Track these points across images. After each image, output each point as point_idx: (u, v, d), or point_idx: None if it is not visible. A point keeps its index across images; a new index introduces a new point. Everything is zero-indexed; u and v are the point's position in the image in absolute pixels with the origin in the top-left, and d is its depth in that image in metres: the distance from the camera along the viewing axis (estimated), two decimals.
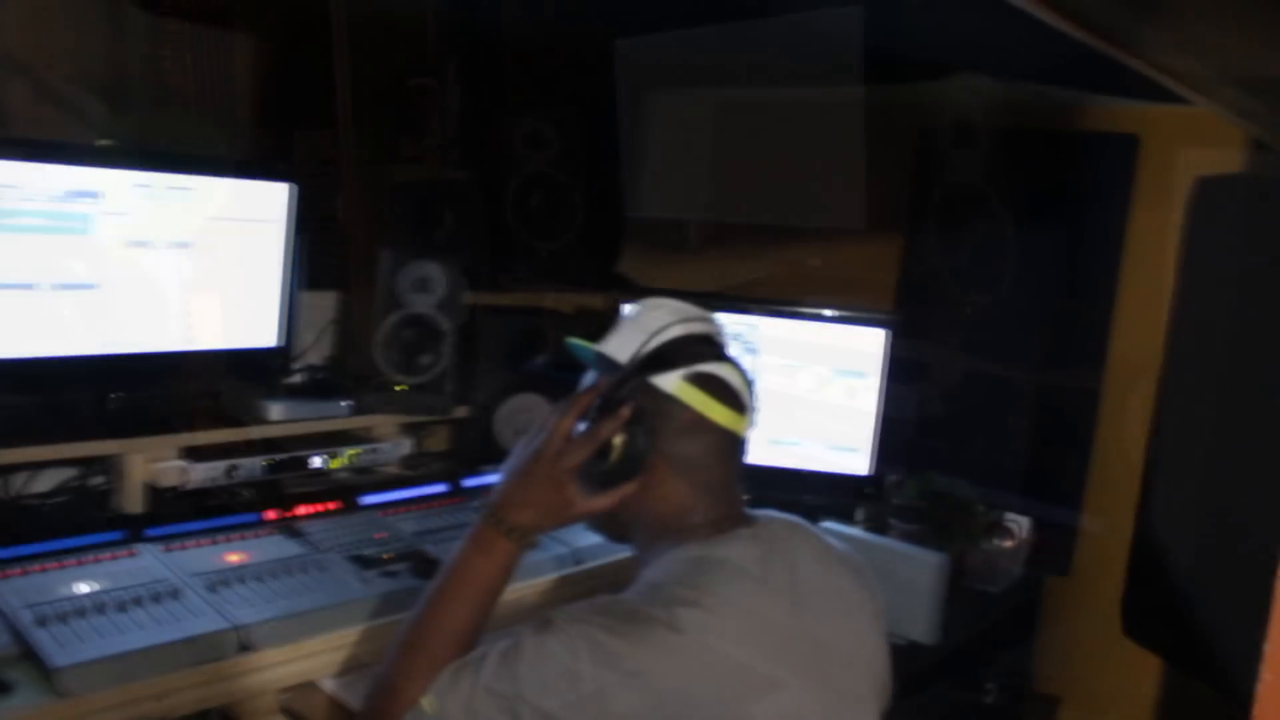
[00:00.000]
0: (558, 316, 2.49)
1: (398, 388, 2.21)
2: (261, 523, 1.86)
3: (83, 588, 1.54)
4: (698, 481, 1.28)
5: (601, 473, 1.26)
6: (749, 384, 1.32)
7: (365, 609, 1.65)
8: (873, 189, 3.21)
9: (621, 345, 1.29)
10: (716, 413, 1.27)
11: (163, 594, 1.56)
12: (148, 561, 1.66)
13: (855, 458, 2.40)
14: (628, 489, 1.27)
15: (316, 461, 2.06)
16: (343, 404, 2.14)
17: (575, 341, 1.43)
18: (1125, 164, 2.88)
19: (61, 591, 1.52)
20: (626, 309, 1.36)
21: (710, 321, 1.34)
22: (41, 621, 1.44)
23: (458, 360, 2.31)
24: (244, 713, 1.51)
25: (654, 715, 1.09)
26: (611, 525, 1.35)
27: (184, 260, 1.92)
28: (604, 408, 1.26)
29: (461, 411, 2.35)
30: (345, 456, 2.10)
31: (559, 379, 2.44)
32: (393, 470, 2.22)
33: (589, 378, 1.36)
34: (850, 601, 1.31)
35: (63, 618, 1.45)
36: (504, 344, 2.40)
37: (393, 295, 2.17)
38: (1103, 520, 2.97)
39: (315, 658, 1.58)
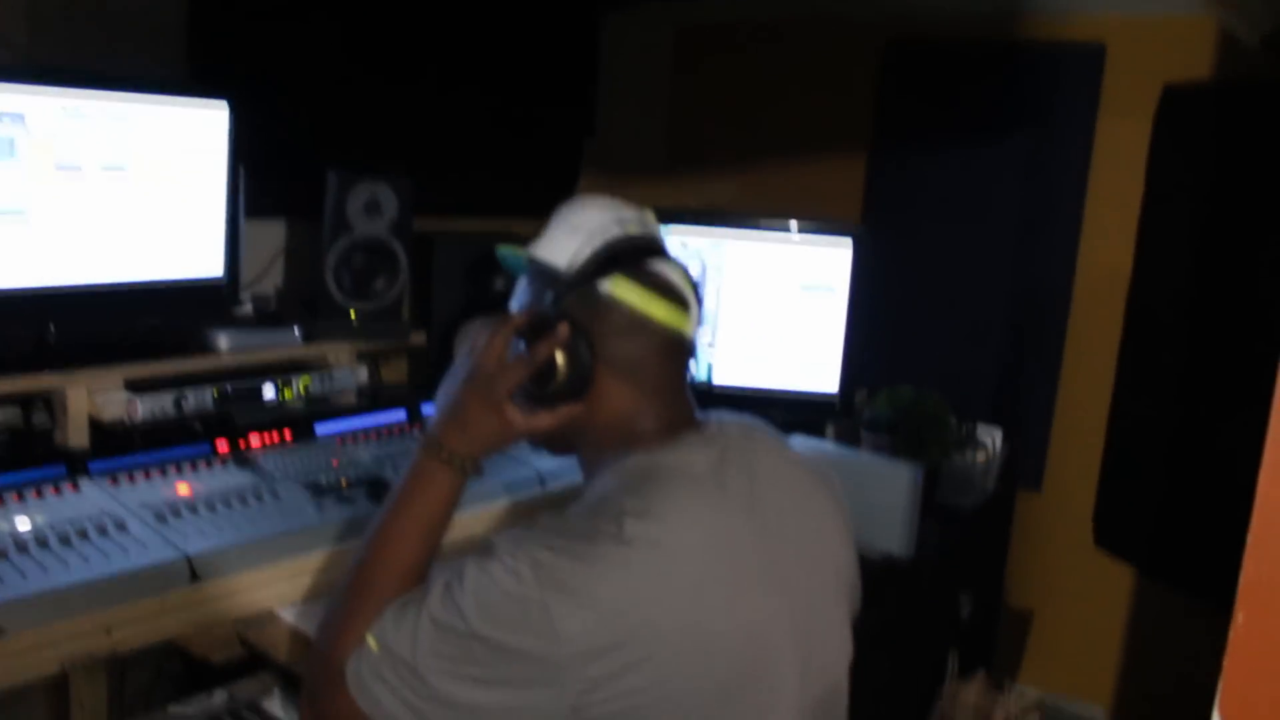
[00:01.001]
0: (516, 240, 2.41)
1: (351, 315, 2.14)
2: (212, 454, 1.79)
3: (22, 524, 1.48)
4: (642, 385, 1.21)
5: (545, 395, 1.19)
6: (692, 283, 1.25)
7: (322, 536, 1.60)
8: (838, 104, 3.16)
9: (556, 248, 1.21)
10: (657, 309, 1.19)
11: (108, 527, 1.49)
12: (92, 495, 1.59)
13: (823, 375, 2.36)
14: (574, 408, 1.20)
15: (268, 391, 1.99)
16: (294, 332, 2.07)
17: (505, 249, 1.35)
18: (1092, 74, 2.83)
19: (1, 528, 1.46)
20: (558, 211, 1.28)
21: (647, 219, 1.27)
22: None
23: (413, 286, 2.24)
24: (199, 646, 1.46)
25: (606, 636, 1.02)
26: (556, 442, 1.29)
27: (118, 186, 1.83)
28: (540, 323, 1.19)
29: (419, 338, 2.29)
30: (298, 385, 2.03)
31: None
32: (348, 400, 2.15)
33: (522, 286, 1.29)
34: (814, 506, 1.26)
35: (1, 554, 1.39)
36: (460, 269, 2.33)
37: (342, 219, 2.09)
38: (1073, 433, 2.96)
39: (271, 587, 1.53)
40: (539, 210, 2.81)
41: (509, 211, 2.59)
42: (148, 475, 1.68)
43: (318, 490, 1.71)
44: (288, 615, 1.53)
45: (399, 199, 2.12)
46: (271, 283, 2.30)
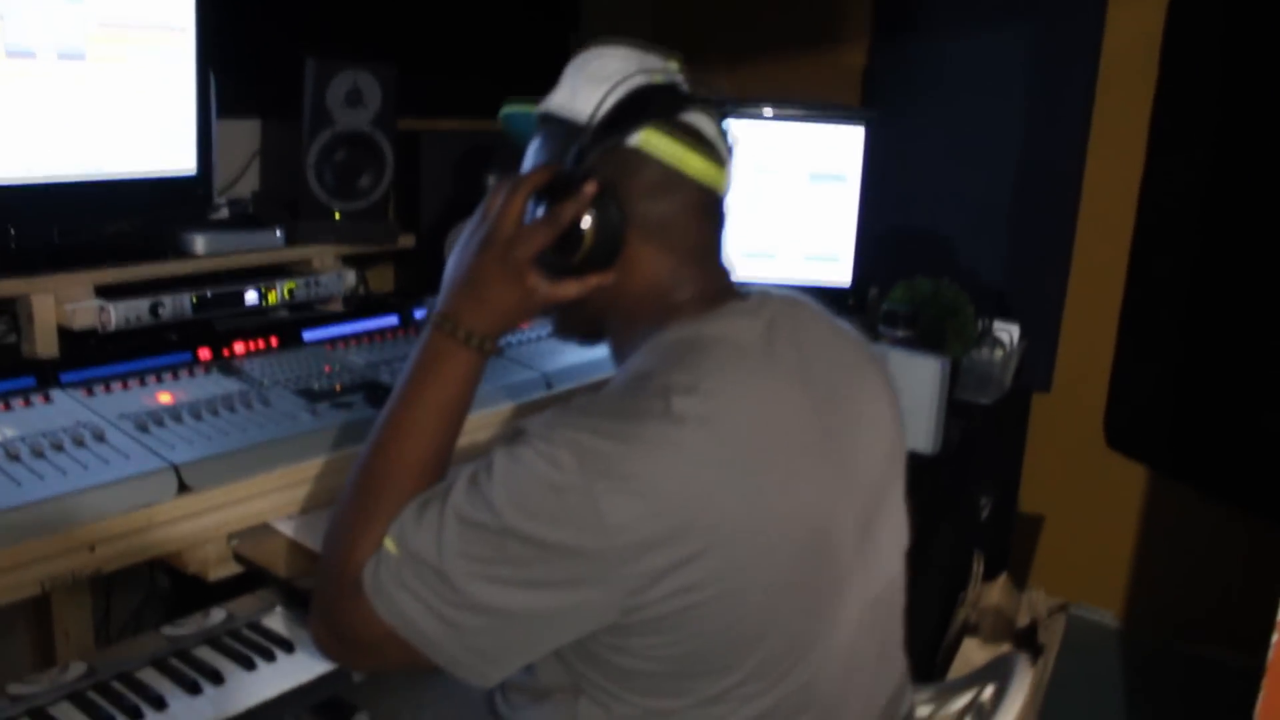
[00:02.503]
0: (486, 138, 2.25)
1: (335, 216, 2.00)
2: (194, 362, 1.66)
3: None
4: (677, 248, 1.08)
5: (570, 263, 1.06)
6: (724, 134, 1.12)
7: (319, 442, 1.48)
8: None
9: (577, 99, 1.08)
10: (693, 163, 1.06)
11: (85, 438, 1.37)
12: (65, 406, 1.46)
13: (836, 268, 2.24)
14: (603, 278, 1.08)
15: (251, 297, 1.85)
16: (275, 233, 1.92)
17: (512, 108, 1.22)
18: None
19: None
20: (574, 61, 1.15)
21: (672, 67, 1.13)
22: None
23: (397, 186, 2.09)
24: (191, 562, 1.35)
25: (660, 526, 0.91)
26: (581, 319, 1.16)
27: (78, 74, 1.67)
28: (563, 181, 1.06)
29: (406, 241, 2.15)
30: (282, 291, 1.89)
31: None
32: (333, 306, 2.02)
33: (534, 149, 1.16)
34: (866, 384, 1.15)
35: None
36: (448, 167, 2.18)
37: (322, 111, 1.93)
38: (1083, 332, 2.87)
39: (266, 497, 1.41)
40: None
41: (491, 112, 2.43)
42: (125, 385, 1.55)
43: (311, 396, 1.59)
44: (285, 527, 1.42)
45: (382, 88, 1.97)
46: (248, 187, 2.15)
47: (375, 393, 1.61)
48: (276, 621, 1.29)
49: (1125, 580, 2.94)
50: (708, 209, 1.10)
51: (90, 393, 1.51)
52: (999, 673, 1.28)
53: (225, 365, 1.67)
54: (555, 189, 1.05)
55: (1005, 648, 2.20)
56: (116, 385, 1.54)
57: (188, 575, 1.36)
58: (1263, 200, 2.46)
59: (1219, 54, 2.54)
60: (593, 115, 1.05)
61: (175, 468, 1.33)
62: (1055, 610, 2.26)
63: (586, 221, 1.04)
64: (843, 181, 2.21)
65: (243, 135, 2.12)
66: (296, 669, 1.20)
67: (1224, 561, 2.61)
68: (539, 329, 2.03)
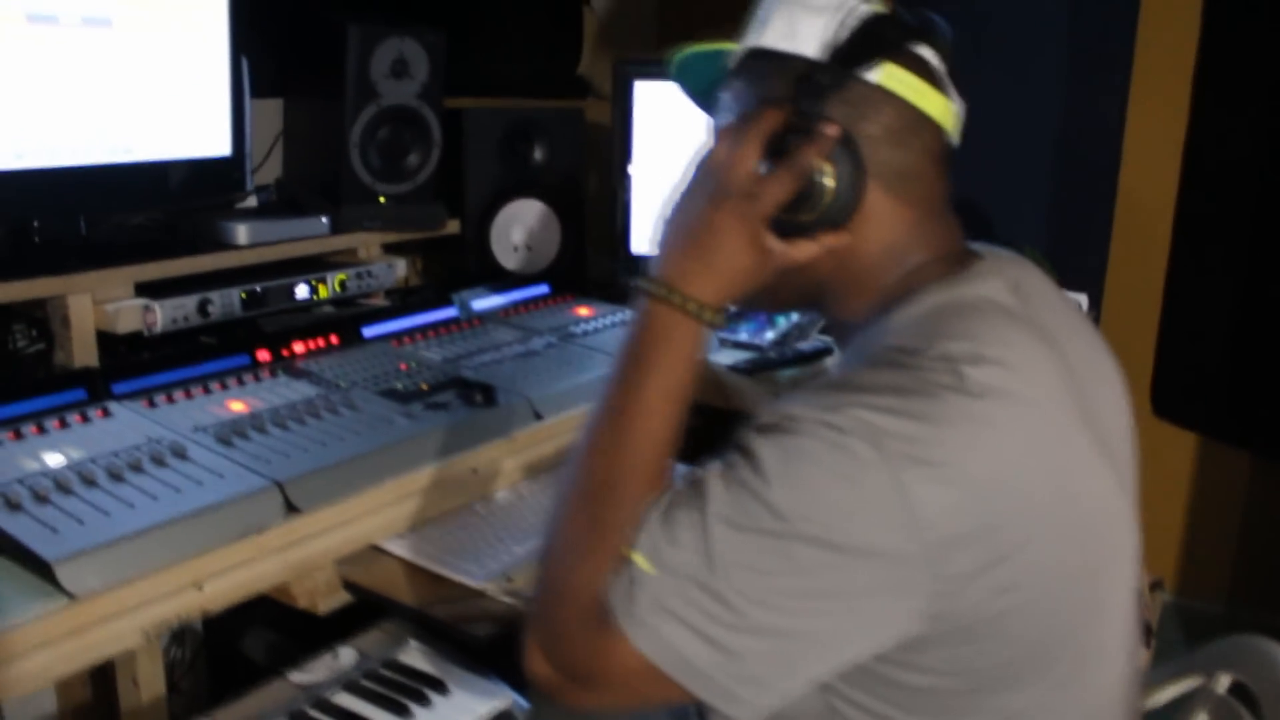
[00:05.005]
0: (532, 114, 2.08)
1: (381, 199, 1.81)
2: (254, 365, 1.47)
3: (53, 459, 1.15)
4: (917, 202, 0.93)
5: (801, 221, 0.90)
6: (952, 71, 0.97)
7: (423, 449, 1.31)
8: None
9: (798, 33, 0.91)
10: (934, 103, 0.91)
11: (165, 456, 1.18)
12: (129, 420, 1.27)
13: None
14: (840, 236, 0.92)
15: (302, 291, 1.66)
16: (321, 221, 1.73)
17: (692, 50, 1.05)
18: None
19: (28, 467, 1.13)
20: None
21: None
22: (13, 505, 1.05)
23: (442, 165, 1.91)
24: (300, 594, 1.16)
25: (975, 518, 0.77)
26: (790, 291, 0.99)
27: (103, 42, 1.47)
28: (798, 126, 0.89)
29: (452, 226, 1.97)
30: (333, 283, 1.71)
31: (562, 182, 2.08)
32: (381, 298, 1.83)
33: (738, 92, 0.99)
34: (1103, 357, 1.01)
35: (41, 497, 1.07)
36: (494, 145, 2.00)
37: (366, 83, 1.74)
38: (1128, 297, 2.77)
39: (375, 515, 1.24)
40: (547, 88, 2.51)
41: (512, 90, 2.26)
42: (188, 394, 1.36)
43: (398, 397, 1.41)
44: (397, 548, 1.25)
45: (430, 58, 1.78)
46: (270, 173, 1.94)
47: (468, 390, 1.43)
48: (415, 657, 1.12)
49: (1177, 552, 2.87)
50: (945, 157, 0.95)
51: (151, 404, 1.32)
52: (1230, 659, 1.16)
53: (289, 367, 1.49)
54: (789, 135, 0.89)
55: None
56: (179, 394, 1.35)
57: (296, 609, 1.17)
58: None
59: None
60: (831, 48, 0.89)
61: (280, 485, 1.14)
62: (1153, 587, 2.16)
63: (825, 172, 0.88)
64: None
65: (264, 115, 1.92)
66: (457, 711, 1.04)
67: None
68: (608, 318, 1.87)
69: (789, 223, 0.90)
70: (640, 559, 0.79)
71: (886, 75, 0.89)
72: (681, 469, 0.86)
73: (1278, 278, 2.47)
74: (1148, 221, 2.68)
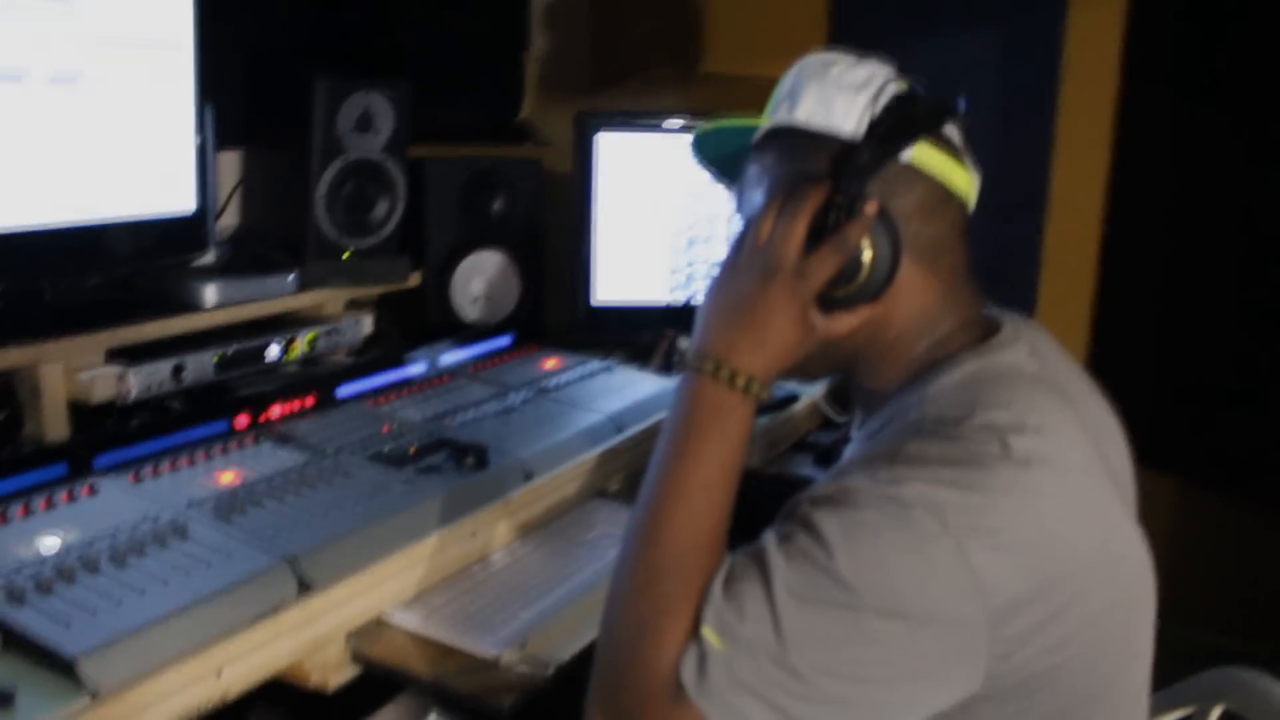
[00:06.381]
0: (491, 164, 2.07)
1: (346, 254, 1.78)
2: (234, 432, 1.43)
3: (47, 543, 1.11)
4: (943, 274, 0.98)
5: (841, 296, 0.94)
6: (969, 145, 1.02)
7: (425, 515, 1.29)
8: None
9: (833, 111, 0.95)
10: (959, 180, 0.98)
11: (166, 535, 1.14)
12: (117, 497, 1.22)
13: None
14: (874, 309, 0.95)
15: (273, 351, 1.62)
16: (288, 278, 1.70)
17: (721, 123, 1.08)
18: None
19: (24, 553, 1.08)
20: (792, 73, 1.01)
21: (901, 72, 1.02)
22: (16, 596, 1.00)
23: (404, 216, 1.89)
24: (312, 672, 1.13)
25: (1027, 579, 0.81)
26: (828, 360, 1.01)
27: (70, 100, 1.42)
28: (841, 204, 0.92)
29: (414, 279, 1.94)
30: (305, 342, 1.67)
31: (522, 231, 2.07)
32: (345, 354, 1.80)
33: (768, 168, 1.01)
34: (1106, 410, 1.06)
35: (45, 588, 1.02)
36: (454, 195, 1.98)
37: (333, 138, 1.71)
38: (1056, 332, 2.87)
39: (381, 587, 1.21)
40: (490, 133, 2.50)
41: (459, 136, 2.25)
42: (173, 465, 1.31)
43: (389, 461, 1.39)
44: (405, 619, 1.22)
45: (395, 111, 1.77)
46: (226, 224, 1.89)
47: (459, 452, 1.42)
48: None
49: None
50: (966, 228, 1.00)
51: (137, 478, 1.27)
52: (1223, 691, 1.21)
53: (271, 432, 1.45)
54: (831, 212, 0.91)
55: None
56: (164, 466, 1.31)
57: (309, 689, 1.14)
58: (1226, 198, 2.51)
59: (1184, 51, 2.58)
60: (857, 129, 0.92)
61: (291, 562, 1.11)
62: None
63: (865, 247, 0.91)
64: None
65: (221, 166, 1.87)
66: None
67: (1207, 548, 2.66)
68: (576, 369, 1.87)
69: (830, 297, 0.92)
70: (710, 634, 0.80)
71: (919, 154, 0.93)
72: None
73: (1197, 311, 2.59)
74: (1074, 262, 2.78)
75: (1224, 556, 2.56)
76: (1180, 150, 2.61)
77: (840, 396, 1.81)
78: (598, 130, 2.00)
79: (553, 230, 2.14)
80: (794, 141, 0.97)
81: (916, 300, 0.96)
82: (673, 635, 0.82)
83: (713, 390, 0.90)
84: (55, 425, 1.38)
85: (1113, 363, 2.78)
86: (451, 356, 1.83)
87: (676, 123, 2.06)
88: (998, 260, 2.79)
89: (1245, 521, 2.53)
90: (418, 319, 1.99)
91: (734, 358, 0.90)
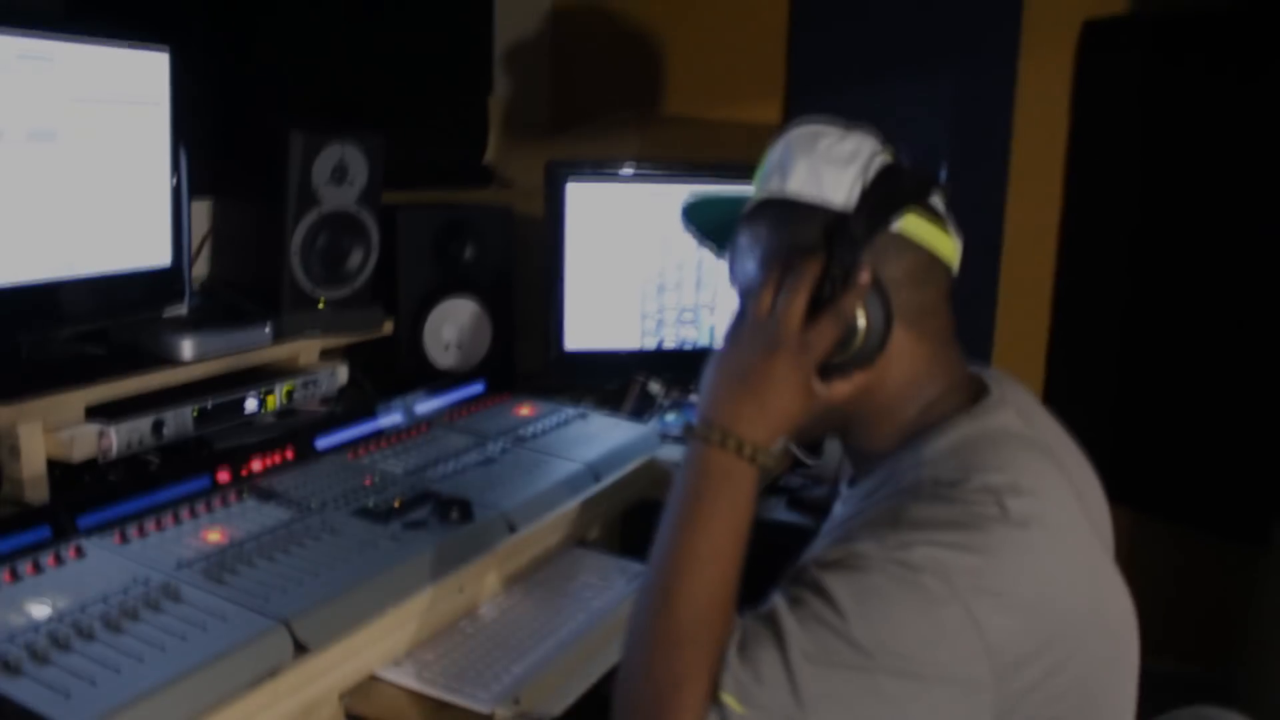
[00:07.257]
0: (462, 212, 2.08)
1: (320, 304, 1.78)
2: (216, 487, 1.43)
3: (38, 610, 1.10)
4: (932, 338, 1.01)
5: (841, 363, 0.97)
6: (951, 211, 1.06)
7: (415, 572, 1.30)
8: (748, 45, 2.98)
9: (825, 183, 0.98)
10: (945, 247, 1.01)
11: (158, 598, 1.13)
12: (104, 560, 1.21)
13: None
14: (867, 374, 0.99)
15: (250, 404, 1.62)
16: (264, 330, 1.69)
17: (710, 195, 1.11)
18: (1011, 9, 2.76)
19: (15, 621, 1.07)
20: (781, 145, 1.04)
21: (883, 139, 1.06)
22: (13, 668, 0.99)
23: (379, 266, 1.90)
24: None
25: (1030, 637, 0.85)
26: (825, 424, 1.05)
27: (47, 156, 1.41)
28: (835, 274, 0.95)
29: (387, 327, 1.95)
30: (281, 394, 1.67)
31: (492, 279, 2.08)
32: (318, 404, 1.80)
33: (759, 238, 1.04)
34: (1083, 462, 1.10)
35: (40, 657, 1.01)
36: (426, 243, 2.00)
37: (308, 190, 1.72)
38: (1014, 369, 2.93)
39: (374, 646, 1.22)
40: (458, 175, 2.52)
41: (425, 180, 2.27)
42: (158, 524, 1.31)
43: (374, 516, 1.39)
44: (397, 676, 1.23)
45: (369, 162, 1.78)
46: (195, 274, 1.88)
47: (443, 506, 1.42)
48: None
49: None
50: (951, 293, 1.03)
51: (123, 538, 1.27)
52: None
53: (253, 487, 1.44)
54: (826, 282, 0.94)
55: None
56: (149, 525, 1.30)
57: None
58: (1178, 237, 2.59)
59: (1130, 98, 2.67)
60: (848, 200, 0.96)
61: (288, 625, 1.11)
62: None
63: (861, 315, 0.95)
64: None
65: (192, 217, 1.87)
66: None
67: (1161, 576, 2.72)
68: (551, 417, 1.88)
69: (828, 365, 0.96)
70: (730, 700, 0.82)
71: (907, 223, 0.97)
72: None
73: (1150, 347, 2.67)
74: (1029, 304, 2.84)
75: (1177, 584, 2.63)
76: (1133, 190, 2.69)
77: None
78: (567, 179, 2.02)
79: (523, 277, 2.16)
80: (786, 212, 1.00)
81: (906, 364, 0.99)
82: (694, 702, 0.84)
83: (720, 459, 0.93)
84: (35, 486, 1.37)
85: (1068, 398, 2.85)
86: (425, 405, 1.83)
87: (645, 171, 2.09)
88: (954, 301, 2.85)
89: (1196, 550, 2.60)
90: (389, 367, 1.99)
91: (739, 427, 0.93)
